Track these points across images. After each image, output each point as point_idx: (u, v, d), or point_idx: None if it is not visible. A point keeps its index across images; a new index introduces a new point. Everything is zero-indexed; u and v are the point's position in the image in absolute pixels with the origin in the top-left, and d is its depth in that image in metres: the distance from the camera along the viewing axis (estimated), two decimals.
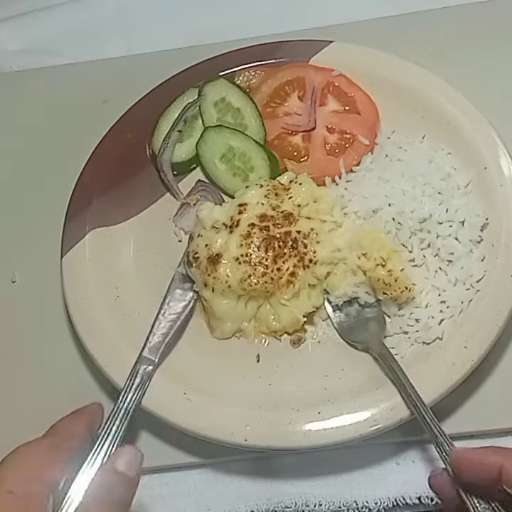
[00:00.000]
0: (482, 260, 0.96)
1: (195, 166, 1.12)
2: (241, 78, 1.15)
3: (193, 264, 0.97)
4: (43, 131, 1.24)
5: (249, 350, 0.97)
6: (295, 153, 1.08)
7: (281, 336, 0.98)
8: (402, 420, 0.87)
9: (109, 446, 0.84)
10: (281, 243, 0.96)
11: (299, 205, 0.99)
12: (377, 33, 1.22)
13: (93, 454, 0.83)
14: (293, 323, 0.96)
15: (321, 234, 0.97)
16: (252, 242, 0.96)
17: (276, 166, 1.07)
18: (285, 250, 0.96)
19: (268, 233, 0.96)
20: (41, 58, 1.34)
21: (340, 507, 0.93)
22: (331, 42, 1.14)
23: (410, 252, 0.98)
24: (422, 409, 0.84)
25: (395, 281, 0.93)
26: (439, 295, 0.95)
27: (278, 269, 0.95)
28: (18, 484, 0.75)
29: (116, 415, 0.87)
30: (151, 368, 0.92)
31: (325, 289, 0.97)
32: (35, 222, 1.15)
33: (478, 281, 0.94)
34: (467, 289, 0.94)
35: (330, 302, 0.98)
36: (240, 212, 0.98)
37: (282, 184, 1.02)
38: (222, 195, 1.09)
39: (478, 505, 0.77)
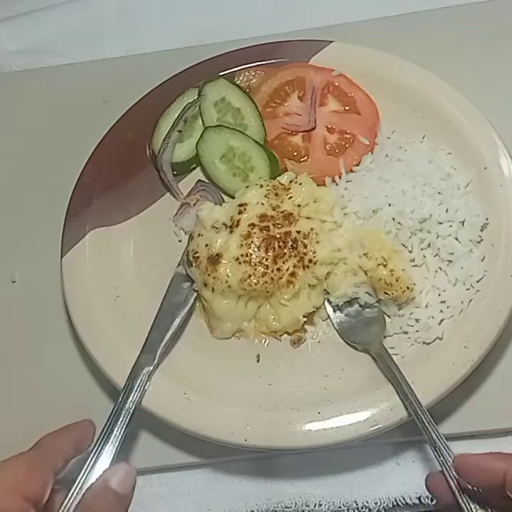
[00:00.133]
0: (482, 260, 0.96)
1: (195, 166, 1.12)
2: (241, 78, 1.15)
3: (193, 264, 0.97)
4: (43, 131, 1.25)
5: (249, 350, 0.97)
6: (295, 153, 1.08)
7: (281, 335, 0.98)
8: (402, 420, 0.87)
9: (109, 447, 0.84)
10: (281, 243, 0.96)
11: (299, 205, 0.99)
12: (377, 33, 1.22)
13: (93, 454, 0.83)
14: (293, 323, 0.96)
15: (320, 234, 0.97)
16: (252, 242, 0.96)
17: (276, 166, 1.07)
18: (285, 250, 0.96)
19: (268, 233, 0.96)
20: (41, 58, 1.34)
21: (340, 507, 0.93)
22: (331, 42, 1.14)
23: (410, 252, 0.98)
24: (419, 411, 0.84)
25: (397, 281, 0.93)
26: (439, 295, 0.95)
27: (278, 269, 0.95)
28: None
29: (116, 415, 0.87)
30: (150, 367, 0.92)
31: (325, 290, 0.97)
32: (35, 222, 1.16)
33: (478, 281, 0.94)
34: (467, 289, 0.94)
35: (330, 303, 0.98)
36: (240, 212, 0.98)
37: (282, 184, 1.02)
38: (222, 195, 1.09)
39: (474, 510, 0.77)
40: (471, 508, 0.77)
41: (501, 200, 0.98)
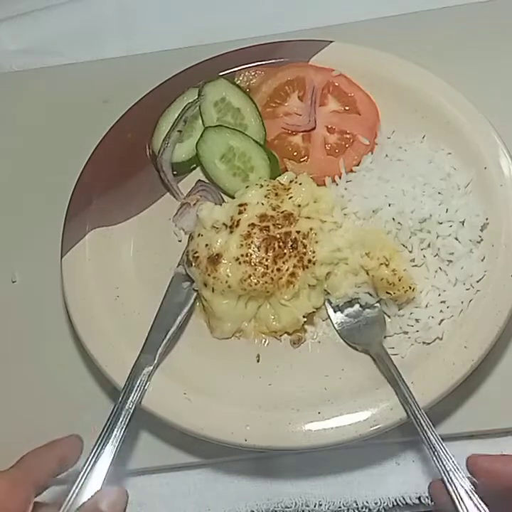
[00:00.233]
0: (482, 260, 0.96)
1: (195, 166, 1.12)
2: (241, 78, 1.15)
3: (193, 264, 0.97)
4: (43, 131, 1.25)
5: (249, 350, 0.97)
6: (295, 153, 1.08)
7: (281, 336, 0.98)
8: (402, 420, 0.87)
9: (109, 447, 0.84)
10: (281, 243, 0.96)
11: (299, 205, 0.99)
12: (377, 33, 1.22)
13: (94, 455, 0.83)
14: (293, 323, 0.96)
15: (320, 234, 0.97)
16: (252, 242, 0.96)
17: (276, 166, 1.07)
18: (285, 250, 0.96)
19: (268, 233, 0.96)
20: (41, 58, 1.34)
21: (340, 507, 0.93)
22: (331, 42, 1.14)
23: (410, 252, 0.98)
24: (418, 414, 0.84)
25: (399, 280, 0.93)
26: (439, 295, 0.95)
27: (278, 270, 0.95)
28: None
29: (116, 415, 0.87)
30: (150, 367, 0.92)
31: (326, 290, 0.97)
32: (35, 222, 1.15)
33: (478, 281, 0.94)
34: (467, 289, 0.94)
35: (330, 303, 0.98)
36: (240, 212, 0.98)
37: (282, 184, 1.02)
38: (222, 195, 1.09)
39: None
40: None
41: (501, 200, 0.98)
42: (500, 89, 1.15)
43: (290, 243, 0.96)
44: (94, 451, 0.83)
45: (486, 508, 0.76)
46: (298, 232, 0.97)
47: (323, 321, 0.98)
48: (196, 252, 0.98)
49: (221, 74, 1.14)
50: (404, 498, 0.92)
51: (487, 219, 0.97)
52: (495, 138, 1.01)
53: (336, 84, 1.11)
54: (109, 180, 1.09)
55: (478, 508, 0.76)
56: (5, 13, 1.40)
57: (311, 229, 0.97)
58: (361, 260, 0.95)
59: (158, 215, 1.09)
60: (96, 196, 1.07)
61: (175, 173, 1.11)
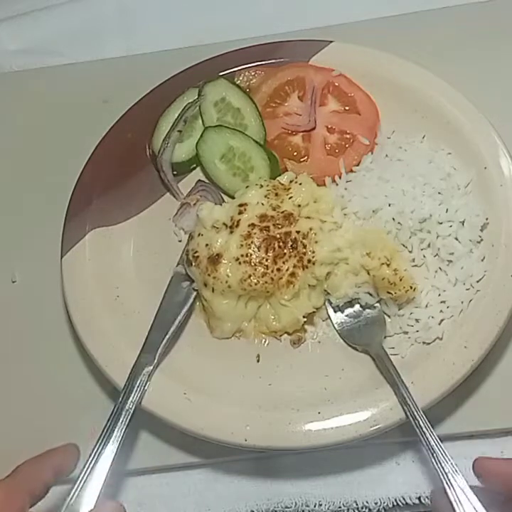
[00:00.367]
0: (482, 260, 0.96)
1: (195, 166, 1.12)
2: (241, 78, 1.15)
3: (193, 263, 0.97)
4: (43, 131, 1.24)
5: (249, 350, 0.97)
6: (295, 153, 1.08)
7: (281, 336, 0.98)
8: (402, 420, 0.87)
9: (110, 447, 0.84)
10: (281, 243, 0.96)
11: (299, 205, 0.99)
12: (377, 33, 1.22)
13: (94, 455, 0.83)
14: (293, 323, 0.96)
15: (320, 234, 0.97)
16: (252, 242, 0.96)
17: (276, 166, 1.07)
18: (285, 250, 0.96)
19: (268, 233, 0.96)
20: (41, 58, 1.34)
21: (340, 507, 0.93)
22: (331, 42, 1.14)
23: (410, 252, 0.98)
24: (417, 415, 0.84)
25: (400, 280, 0.93)
26: (439, 295, 0.95)
27: (278, 270, 0.95)
28: None
29: (116, 415, 0.87)
30: (150, 367, 0.92)
31: (326, 290, 0.97)
32: (35, 222, 1.15)
33: (478, 281, 0.94)
34: (467, 289, 0.94)
35: (331, 303, 0.98)
36: (240, 213, 0.98)
37: (282, 184, 1.02)
38: (222, 195, 1.09)
39: None
40: None
41: (501, 200, 0.98)
42: (500, 89, 1.15)
43: (290, 243, 0.96)
44: (94, 451, 0.83)
45: (484, 511, 0.76)
46: (298, 232, 0.97)
47: (323, 321, 0.98)
48: (196, 252, 0.98)
49: (221, 74, 1.14)
50: (404, 498, 0.92)
51: (487, 219, 0.97)
52: (495, 138, 1.01)
53: (336, 84, 1.11)
54: (109, 180, 1.09)
55: (476, 511, 0.76)
56: (5, 13, 1.40)
57: (311, 229, 0.97)
58: (362, 260, 0.95)
59: (158, 215, 1.09)
60: (96, 196, 1.07)
61: (175, 173, 1.11)
